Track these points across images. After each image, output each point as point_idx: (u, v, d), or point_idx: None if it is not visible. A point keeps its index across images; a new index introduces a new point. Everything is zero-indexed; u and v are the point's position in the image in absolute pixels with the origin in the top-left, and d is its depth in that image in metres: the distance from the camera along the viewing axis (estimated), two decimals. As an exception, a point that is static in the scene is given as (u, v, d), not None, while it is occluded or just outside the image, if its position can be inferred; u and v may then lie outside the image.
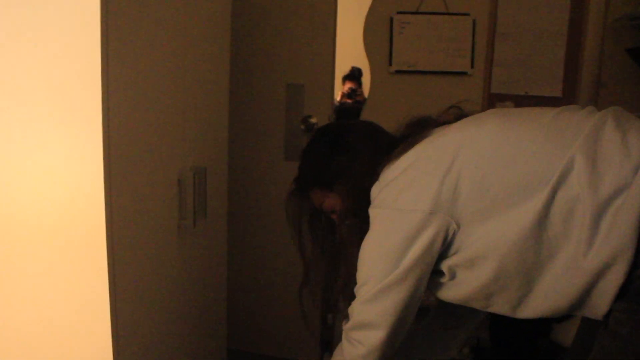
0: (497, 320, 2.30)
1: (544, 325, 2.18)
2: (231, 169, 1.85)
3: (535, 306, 1.05)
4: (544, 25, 2.43)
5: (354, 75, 4.09)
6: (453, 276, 1.11)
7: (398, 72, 2.51)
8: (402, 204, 1.09)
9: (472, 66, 2.48)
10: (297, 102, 2.30)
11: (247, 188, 2.36)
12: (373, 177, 1.17)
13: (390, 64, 2.51)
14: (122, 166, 1.12)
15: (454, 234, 1.06)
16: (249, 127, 2.33)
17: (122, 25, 1.09)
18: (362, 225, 1.17)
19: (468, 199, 1.04)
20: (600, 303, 0.98)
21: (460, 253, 1.07)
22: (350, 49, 3.08)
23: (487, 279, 1.05)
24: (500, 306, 1.10)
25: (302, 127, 2.29)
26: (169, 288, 1.43)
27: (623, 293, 0.96)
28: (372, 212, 1.14)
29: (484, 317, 1.48)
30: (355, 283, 1.18)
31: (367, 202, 1.16)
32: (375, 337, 1.14)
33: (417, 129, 1.21)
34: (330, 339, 2.36)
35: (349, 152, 1.25)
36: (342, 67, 3.67)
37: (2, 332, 1.14)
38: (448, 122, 1.20)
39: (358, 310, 1.16)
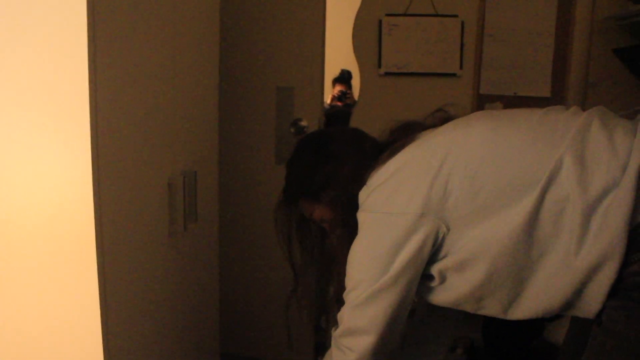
0: (490, 321, 2.31)
1: (536, 324, 2.18)
2: (222, 173, 1.85)
3: (526, 307, 1.05)
4: (532, 26, 2.44)
5: (344, 77, 4.09)
6: (443, 280, 1.10)
7: (387, 74, 2.52)
8: (391, 207, 1.08)
9: (461, 67, 2.49)
10: (287, 105, 2.30)
11: (237, 192, 2.35)
12: (360, 183, 1.16)
13: (380, 66, 2.52)
14: (111, 171, 1.11)
15: (444, 237, 1.06)
16: (239, 130, 2.32)
17: (110, 29, 1.08)
18: (352, 234, 1.16)
19: (458, 201, 1.03)
20: (592, 302, 0.98)
21: (450, 256, 1.07)
22: (339, 52, 3.08)
23: (478, 281, 1.05)
24: (491, 308, 1.10)
25: (292, 130, 2.29)
26: (161, 293, 1.42)
27: (614, 291, 0.96)
28: (361, 216, 1.13)
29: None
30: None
31: (355, 209, 1.16)
32: (365, 342, 1.13)
33: (403, 134, 1.20)
34: (323, 342, 2.35)
35: (333, 160, 1.24)
36: (331, 70, 3.67)
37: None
38: (434, 126, 1.20)
39: (348, 315, 1.15)
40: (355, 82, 3.61)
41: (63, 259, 1.09)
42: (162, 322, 1.44)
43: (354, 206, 1.16)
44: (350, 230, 1.16)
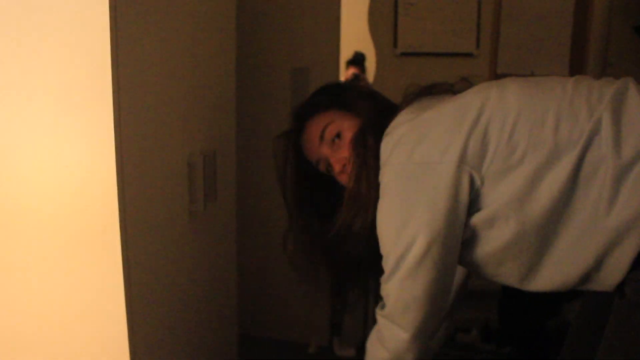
0: (506, 302, 2.31)
1: (553, 304, 2.18)
2: (239, 152, 1.85)
3: (544, 277, 1.03)
4: (550, 4, 2.41)
5: (357, 60, 4.06)
6: (471, 235, 1.06)
7: (403, 54, 2.50)
8: (425, 157, 1.02)
9: (477, 47, 2.47)
10: (302, 85, 2.29)
11: (254, 170, 2.35)
12: (379, 133, 1.10)
13: (396, 47, 2.50)
14: (134, 152, 1.12)
15: (478, 190, 1.02)
16: (256, 110, 2.32)
17: (131, 11, 1.08)
18: (374, 163, 1.09)
19: (495, 155, 1.00)
20: (614, 272, 0.97)
21: (481, 211, 1.03)
22: (355, 32, 3.05)
23: (505, 241, 1.02)
24: (509, 275, 1.07)
25: (309, 111, 2.28)
26: (181, 272, 1.43)
27: (637, 263, 0.95)
28: (387, 172, 1.05)
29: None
30: (362, 227, 1.11)
31: (379, 139, 1.10)
32: (419, 315, 1.07)
33: (428, 91, 1.17)
34: (339, 323, 2.37)
35: (349, 108, 1.20)
36: (347, 51, 3.64)
37: (19, 307, 1.15)
38: (460, 92, 1.15)
39: (397, 289, 1.06)
40: (370, 64, 3.59)
41: (87, 239, 1.10)
42: (182, 302, 1.45)
43: (380, 137, 1.10)
44: (373, 157, 1.09)
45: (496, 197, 1.01)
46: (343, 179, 1.22)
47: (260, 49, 2.29)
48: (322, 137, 1.23)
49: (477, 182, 1.01)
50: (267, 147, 2.35)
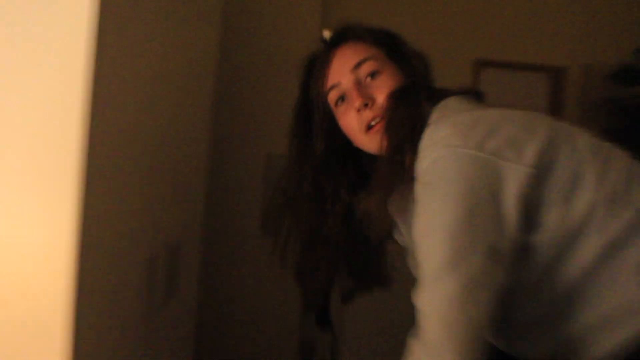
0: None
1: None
2: (206, 243, 1.78)
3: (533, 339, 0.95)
4: (524, 103, 2.47)
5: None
6: None
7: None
8: (500, 151, 0.85)
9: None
10: (276, 172, 2.26)
11: (221, 262, 2.27)
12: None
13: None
14: (94, 242, 1.05)
15: (532, 207, 0.88)
16: (225, 198, 2.27)
17: (104, 93, 1.04)
18: (420, 130, 0.93)
19: (558, 180, 0.88)
20: (610, 342, 0.89)
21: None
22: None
23: (531, 276, 0.91)
24: (515, 313, 0.96)
25: (281, 198, 2.24)
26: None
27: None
28: (445, 154, 0.86)
29: None
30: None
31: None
32: (465, 339, 0.84)
33: (475, 95, 1.06)
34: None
35: (399, 61, 1.06)
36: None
37: None
38: None
39: (454, 302, 0.83)
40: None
41: (38, 335, 1.00)
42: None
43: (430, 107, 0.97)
44: (420, 125, 0.94)
45: (544, 223, 0.89)
46: (350, 122, 1.04)
47: (235, 134, 2.27)
48: (357, 66, 1.03)
49: (535, 199, 0.87)
50: (234, 237, 2.29)
